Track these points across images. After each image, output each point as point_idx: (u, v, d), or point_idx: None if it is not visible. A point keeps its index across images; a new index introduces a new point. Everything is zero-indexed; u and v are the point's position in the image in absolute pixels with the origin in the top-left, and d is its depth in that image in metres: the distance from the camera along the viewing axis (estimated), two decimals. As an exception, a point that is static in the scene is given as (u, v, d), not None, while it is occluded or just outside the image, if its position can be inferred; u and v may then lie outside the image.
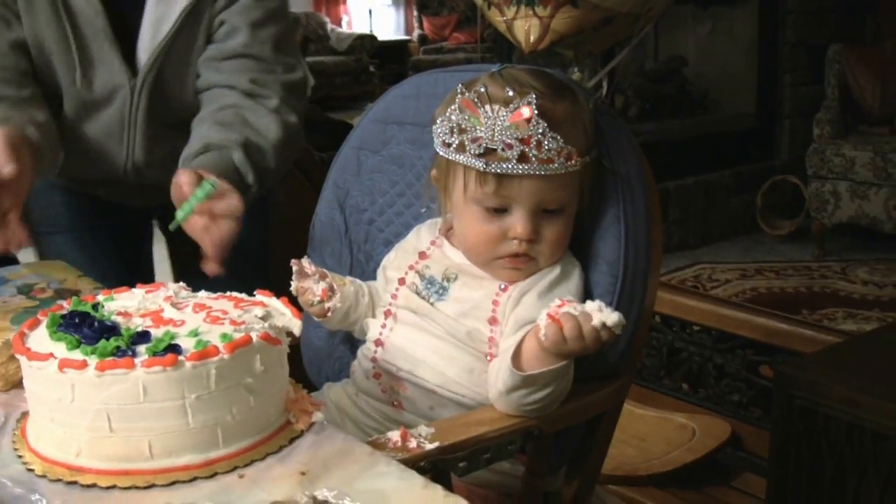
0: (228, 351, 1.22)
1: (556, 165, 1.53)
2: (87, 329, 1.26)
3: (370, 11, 14.24)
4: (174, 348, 1.21)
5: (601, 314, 1.39)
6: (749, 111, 6.59)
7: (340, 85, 12.17)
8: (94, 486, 1.18)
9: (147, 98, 2.05)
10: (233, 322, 1.31)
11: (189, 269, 1.71)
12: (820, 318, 4.65)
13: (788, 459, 2.36)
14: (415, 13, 14.21)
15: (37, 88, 1.94)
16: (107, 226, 2.29)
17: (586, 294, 1.63)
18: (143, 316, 1.33)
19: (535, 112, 1.51)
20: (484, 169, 1.55)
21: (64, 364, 1.18)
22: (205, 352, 1.21)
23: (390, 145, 1.87)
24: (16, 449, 1.27)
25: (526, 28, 1.74)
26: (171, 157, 1.99)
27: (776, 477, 2.44)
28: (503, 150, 1.53)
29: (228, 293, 1.43)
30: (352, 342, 1.80)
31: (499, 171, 1.54)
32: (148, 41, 2.00)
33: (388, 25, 14.50)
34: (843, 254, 5.74)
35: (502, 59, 6.41)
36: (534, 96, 1.52)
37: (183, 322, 1.31)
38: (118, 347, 1.21)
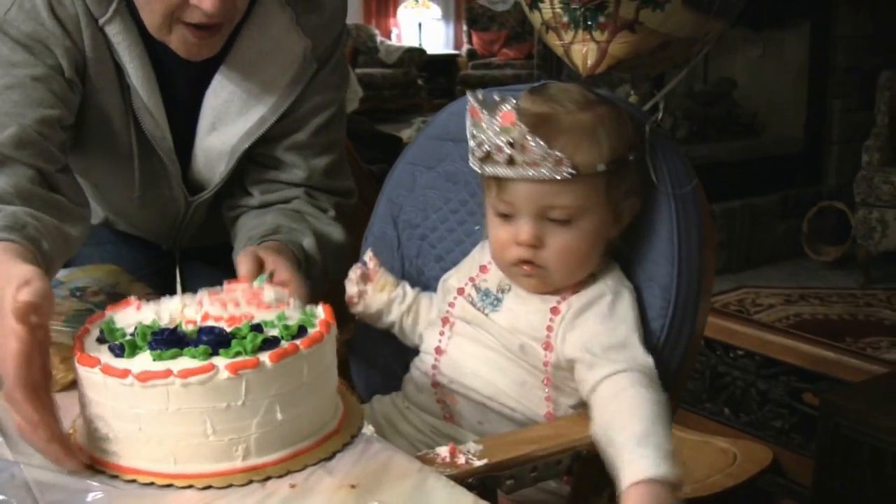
0: (326, 331, 1.31)
1: (543, 170, 1.54)
2: (199, 339, 1.28)
3: (420, 25, 14.28)
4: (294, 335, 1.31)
5: None
6: (797, 136, 6.55)
7: (388, 97, 12.20)
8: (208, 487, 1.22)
9: (200, 211, 2.07)
10: (279, 306, 1.39)
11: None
12: (864, 346, 4.60)
13: (832, 489, 2.34)
14: (464, 28, 14.23)
15: (66, 162, 1.83)
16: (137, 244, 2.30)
17: (641, 316, 1.63)
18: (217, 319, 1.36)
19: (516, 114, 1.54)
20: (481, 172, 1.60)
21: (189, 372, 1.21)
22: (314, 337, 1.29)
23: (445, 162, 1.88)
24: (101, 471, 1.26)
25: (583, 52, 1.74)
26: (221, 230, 2.03)
27: (818, 505, 2.43)
28: (496, 153, 1.56)
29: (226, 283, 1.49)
30: (401, 355, 1.81)
31: (492, 173, 1.59)
32: (202, 167, 1.98)
33: (437, 39, 14.53)
34: (889, 282, 5.67)
35: (551, 77, 6.42)
36: (513, 100, 1.56)
37: (251, 315, 1.36)
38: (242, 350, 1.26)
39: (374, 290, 1.81)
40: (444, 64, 13.82)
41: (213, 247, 2.15)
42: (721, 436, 3.47)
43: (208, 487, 1.21)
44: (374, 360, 1.87)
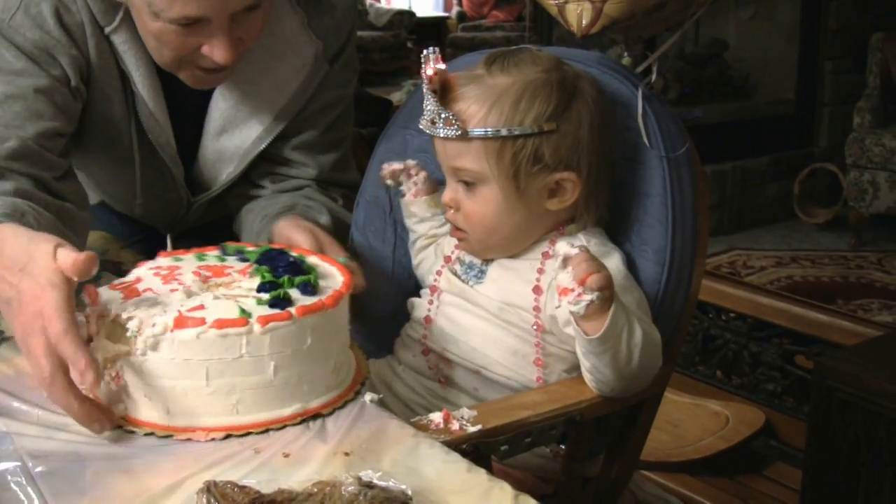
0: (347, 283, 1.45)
1: (438, 129, 1.57)
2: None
3: (409, -13, 14.20)
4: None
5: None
6: (789, 97, 6.54)
7: (378, 60, 12.10)
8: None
9: (202, 208, 2.06)
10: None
11: None
12: (855, 308, 4.62)
13: (825, 452, 2.34)
14: (454, -10, 14.15)
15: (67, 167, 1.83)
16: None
17: (634, 279, 1.62)
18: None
19: (423, 72, 1.56)
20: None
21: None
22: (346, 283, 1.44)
23: (437, 125, 1.87)
24: (168, 436, 1.26)
25: (578, 12, 1.72)
26: (218, 213, 2.04)
27: (812, 468, 2.43)
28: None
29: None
30: (395, 320, 1.80)
31: (420, 127, 1.63)
32: (207, 168, 1.97)
33: (426, 1, 14.45)
34: (880, 244, 5.70)
35: (542, 39, 6.40)
36: (426, 57, 1.57)
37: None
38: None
39: (428, 203, 1.81)
40: (433, 26, 13.72)
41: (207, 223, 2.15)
42: (713, 399, 3.48)
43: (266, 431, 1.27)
44: (366, 322, 1.86)
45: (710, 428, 3.25)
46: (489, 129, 1.55)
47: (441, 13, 14.38)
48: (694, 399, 3.45)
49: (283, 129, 1.91)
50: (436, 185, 1.81)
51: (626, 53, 1.85)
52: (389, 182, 1.83)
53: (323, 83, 1.92)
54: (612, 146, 1.65)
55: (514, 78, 1.57)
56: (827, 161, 6.13)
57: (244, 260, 1.48)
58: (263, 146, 1.92)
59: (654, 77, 1.72)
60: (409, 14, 13.24)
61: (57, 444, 1.23)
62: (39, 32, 1.72)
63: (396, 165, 1.81)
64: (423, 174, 1.80)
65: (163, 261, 1.48)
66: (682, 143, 1.67)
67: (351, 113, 2.03)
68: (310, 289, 1.35)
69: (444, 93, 1.57)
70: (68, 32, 1.73)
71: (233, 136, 1.91)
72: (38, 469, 1.16)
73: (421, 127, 1.61)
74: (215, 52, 1.64)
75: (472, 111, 1.56)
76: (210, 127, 1.91)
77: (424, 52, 1.57)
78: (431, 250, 1.80)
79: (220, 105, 1.89)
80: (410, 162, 1.82)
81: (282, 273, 1.38)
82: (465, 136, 1.55)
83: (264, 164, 1.97)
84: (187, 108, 1.89)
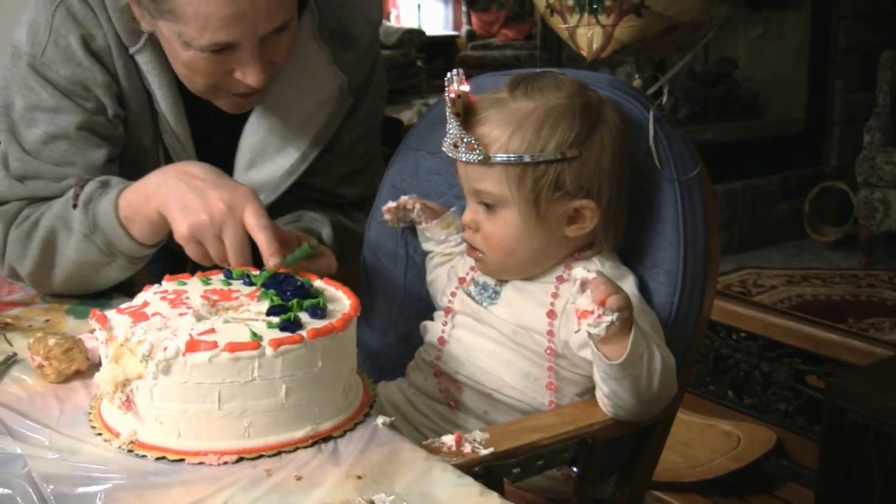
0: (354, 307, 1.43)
1: (460, 152, 1.57)
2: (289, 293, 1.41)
3: (419, 6, 14.21)
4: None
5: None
6: (799, 116, 6.54)
7: (388, 79, 12.07)
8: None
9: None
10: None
11: None
12: (866, 327, 4.61)
13: (837, 473, 2.33)
14: (463, 8, 14.16)
15: None
16: None
17: (646, 302, 1.62)
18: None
19: (447, 96, 1.56)
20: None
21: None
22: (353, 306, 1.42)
23: (448, 147, 1.87)
24: (180, 459, 1.25)
25: (589, 36, 1.73)
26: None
27: (824, 490, 2.42)
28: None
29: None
30: (406, 342, 1.80)
31: (443, 149, 1.62)
32: None
33: (436, 20, 14.47)
34: (891, 262, 5.69)
35: (552, 57, 6.41)
36: (450, 79, 1.57)
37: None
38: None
39: (440, 227, 1.82)
40: (443, 45, 13.74)
41: None
42: (725, 419, 3.47)
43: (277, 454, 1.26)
44: (378, 348, 1.86)
45: (722, 448, 3.25)
46: (511, 155, 1.54)
47: (451, 32, 14.41)
48: (705, 419, 3.45)
49: (316, 163, 1.94)
50: (439, 207, 1.83)
51: (637, 76, 1.85)
52: (397, 224, 1.86)
53: (355, 115, 1.96)
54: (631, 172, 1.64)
55: (536, 103, 1.56)
56: (837, 179, 6.12)
57: (250, 284, 1.48)
58: (294, 179, 1.94)
59: (664, 98, 1.72)
60: (418, 32, 13.26)
61: (69, 467, 1.22)
62: (71, 66, 1.75)
63: (391, 204, 1.83)
64: (418, 206, 1.82)
65: (168, 285, 1.48)
66: (693, 165, 1.66)
67: (378, 138, 2.08)
68: (319, 312, 1.35)
69: (467, 116, 1.57)
70: (98, 59, 1.77)
71: (261, 169, 1.93)
72: (51, 491, 1.16)
73: (443, 149, 1.61)
74: (248, 76, 1.67)
75: (494, 136, 1.55)
76: (240, 160, 1.93)
77: (448, 74, 1.56)
78: (445, 270, 1.80)
79: (250, 139, 1.91)
80: (403, 198, 1.83)
81: (290, 297, 1.38)
82: (486, 161, 1.55)
83: (294, 195, 1.99)
84: (216, 143, 1.91)
